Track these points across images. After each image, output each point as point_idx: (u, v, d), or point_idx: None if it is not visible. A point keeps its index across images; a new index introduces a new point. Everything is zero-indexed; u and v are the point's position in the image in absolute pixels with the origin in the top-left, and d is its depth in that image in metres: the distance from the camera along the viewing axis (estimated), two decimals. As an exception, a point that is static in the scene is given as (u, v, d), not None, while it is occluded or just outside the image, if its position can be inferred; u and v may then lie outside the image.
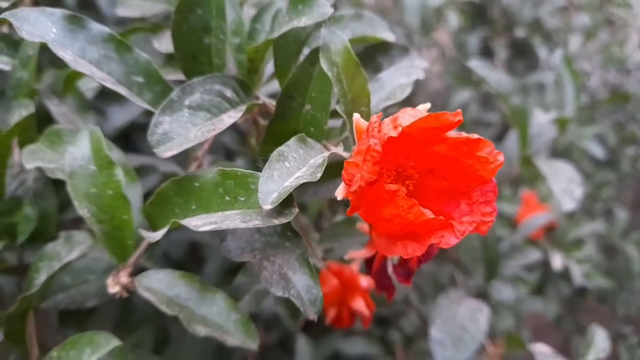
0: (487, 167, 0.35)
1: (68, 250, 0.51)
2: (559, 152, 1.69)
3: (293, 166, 0.40)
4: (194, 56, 0.48)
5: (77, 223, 0.62)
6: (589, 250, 1.92)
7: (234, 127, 0.51)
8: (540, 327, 2.10)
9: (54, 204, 0.60)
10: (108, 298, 0.49)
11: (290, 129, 0.48)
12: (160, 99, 0.47)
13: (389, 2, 1.70)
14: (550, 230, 1.37)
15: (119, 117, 0.83)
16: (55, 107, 0.62)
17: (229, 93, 0.46)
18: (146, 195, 0.58)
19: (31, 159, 0.52)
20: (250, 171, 0.40)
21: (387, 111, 0.55)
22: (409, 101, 1.71)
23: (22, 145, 0.57)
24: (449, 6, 1.38)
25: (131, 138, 0.90)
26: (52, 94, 0.64)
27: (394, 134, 0.33)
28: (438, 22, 1.40)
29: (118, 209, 0.44)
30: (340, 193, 0.36)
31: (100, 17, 0.86)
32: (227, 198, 0.41)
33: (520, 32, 1.53)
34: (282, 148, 0.41)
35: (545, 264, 1.32)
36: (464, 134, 0.34)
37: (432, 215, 0.33)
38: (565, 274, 1.33)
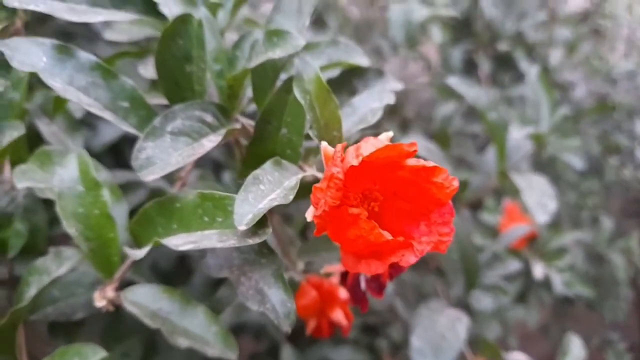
0: (444, 191, 0.38)
1: (57, 265, 0.53)
2: (543, 162, 1.73)
3: (268, 188, 0.43)
4: (176, 83, 0.51)
5: (67, 237, 0.65)
6: (574, 258, 1.96)
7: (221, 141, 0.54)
8: (528, 334, 2.13)
9: (44, 219, 0.63)
10: (96, 310, 0.52)
11: (268, 150, 0.51)
12: (145, 122, 0.50)
13: (376, 15, 1.74)
14: (531, 239, 1.41)
15: (109, 131, 0.86)
16: (45, 127, 0.65)
17: (209, 118, 0.49)
18: (135, 210, 0.61)
19: (22, 178, 0.54)
20: (227, 194, 0.43)
21: (363, 131, 0.58)
22: (398, 111, 1.74)
23: (13, 163, 0.59)
24: (433, 21, 1.41)
25: (122, 151, 0.93)
26: (43, 114, 0.66)
27: (355, 163, 0.36)
28: (423, 36, 1.43)
29: (104, 227, 0.47)
30: (309, 215, 0.39)
31: (93, 34, 0.89)
32: (206, 219, 0.43)
33: (503, 46, 1.57)
34: (257, 171, 0.44)
35: (527, 273, 1.35)
36: (421, 161, 0.37)
37: (390, 237, 0.36)
38: (547, 283, 1.36)
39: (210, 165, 1.03)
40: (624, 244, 2.08)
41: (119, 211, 0.50)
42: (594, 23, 3.29)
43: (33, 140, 0.63)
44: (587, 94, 2.46)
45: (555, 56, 1.56)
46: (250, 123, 0.55)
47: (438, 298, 1.00)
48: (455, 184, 0.38)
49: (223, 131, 0.49)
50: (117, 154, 0.92)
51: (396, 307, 1.18)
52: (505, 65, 1.64)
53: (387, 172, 0.39)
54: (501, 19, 1.57)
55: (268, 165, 0.45)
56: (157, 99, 0.56)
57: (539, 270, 1.30)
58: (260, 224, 0.41)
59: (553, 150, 1.43)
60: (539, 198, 0.82)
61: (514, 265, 1.08)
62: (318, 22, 1.76)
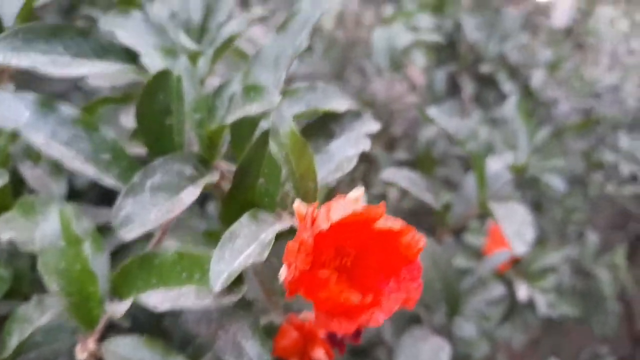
0: (411, 251, 0.40)
1: (40, 313, 0.54)
2: (526, 180, 1.75)
3: (244, 244, 0.44)
4: (157, 135, 0.52)
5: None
6: (562, 274, 1.98)
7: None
8: (517, 350, 2.14)
9: (28, 263, 0.64)
10: (78, 358, 0.53)
11: (246, 199, 0.53)
12: (126, 173, 0.52)
13: (361, 35, 1.77)
14: (516, 261, 1.42)
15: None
16: (29, 171, 0.66)
17: (188, 171, 0.50)
18: (120, 249, 0.62)
19: (6, 228, 0.55)
20: (204, 252, 0.44)
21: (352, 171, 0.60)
22: (385, 130, 1.76)
23: (-3, 210, 0.60)
24: (417, 45, 1.44)
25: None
26: (26, 157, 0.67)
27: (324, 227, 0.37)
28: (406, 61, 1.46)
29: (85, 282, 0.48)
30: (282, 275, 0.41)
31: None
32: (184, 275, 0.45)
33: (485, 68, 1.60)
34: (234, 226, 0.45)
35: (512, 294, 1.37)
36: (389, 223, 0.39)
37: (358, 301, 0.37)
38: (532, 304, 1.38)
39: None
40: (610, 259, 2.11)
41: (100, 263, 0.51)
42: (578, 38, 3.35)
43: (17, 184, 0.64)
44: (571, 110, 2.50)
45: (538, 76, 1.59)
46: (230, 169, 0.57)
47: (422, 325, 1.01)
48: (422, 243, 0.39)
49: (202, 182, 0.51)
50: (102, 187, 0.93)
51: (383, 331, 1.19)
52: (489, 86, 1.67)
53: (357, 233, 0.41)
54: (484, 42, 1.60)
55: (245, 218, 0.47)
56: (138, 148, 0.57)
57: (523, 291, 1.32)
58: (236, 281, 0.42)
59: (535, 172, 1.45)
60: (517, 228, 0.84)
61: (497, 291, 1.10)
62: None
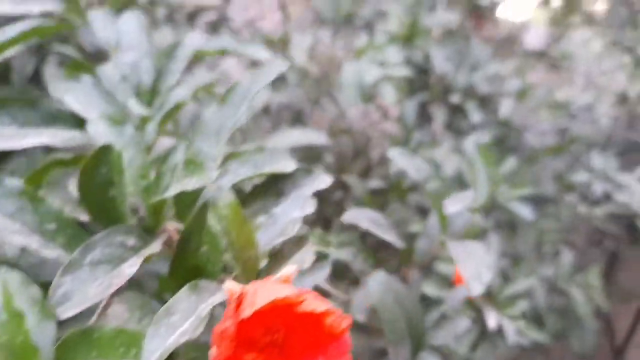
0: (336, 330, 0.41)
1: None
2: (497, 204, 1.78)
3: (181, 318, 0.45)
4: (100, 206, 0.53)
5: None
6: (538, 294, 2.00)
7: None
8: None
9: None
10: None
11: (190, 264, 0.54)
12: (73, 241, 0.53)
13: (335, 68, 1.79)
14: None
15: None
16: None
17: (131, 241, 0.52)
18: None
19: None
20: (139, 331, 0.45)
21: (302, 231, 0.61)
22: (360, 155, 1.77)
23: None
24: (388, 79, 1.47)
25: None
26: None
27: (247, 314, 0.38)
28: (376, 93, 1.48)
29: (27, 355, 0.49)
30: (211, 355, 0.42)
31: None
32: (122, 350, 0.46)
33: (455, 98, 1.63)
34: (170, 302, 0.46)
35: (481, 321, 1.39)
36: (312, 306, 0.40)
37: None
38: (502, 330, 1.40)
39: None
40: (584, 278, 2.14)
41: (45, 334, 0.51)
42: (552, 60, 3.42)
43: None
44: (543, 133, 2.54)
45: (507, 105, 1.63)
46: (180, 228, 0.58)
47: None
48: (345, 323, 0.41)
49: (146, 252, 0.52)
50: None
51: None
52: (459, 115, 1.71)
53: (283, 314, 0.42)
54: (452, 73, 1.64)
55: (184, 290, 0.48)
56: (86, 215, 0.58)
57: (492, 320, 1.34)
58: (171, 357, 0.43)
59: (503, 201, 1.48)
60: (474, 269, 0.85)
61: (463, 324, 1.12)
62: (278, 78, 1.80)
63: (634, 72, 2.61)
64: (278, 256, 0.59)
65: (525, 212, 1.44)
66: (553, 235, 2.10)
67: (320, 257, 0.71)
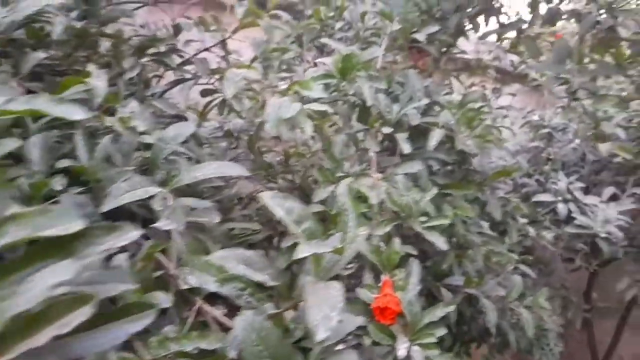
0: None
1: None
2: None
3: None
4: None
5: None
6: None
7: None
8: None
9: None
10: None
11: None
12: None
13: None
14: (401, 315, 1.50)
15: None
16: None
17: None
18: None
19: None
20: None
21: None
22: (299, 189, 1.85)
23: None
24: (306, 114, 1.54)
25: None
26: None
27: None
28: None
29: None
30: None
31: None
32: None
33: (386, 130, 1.70)
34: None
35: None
36: None
37: None
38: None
39: None
40: (530, 302, 2.18)
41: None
42: (531, 81, 3.45)
43: None
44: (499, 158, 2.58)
45: (435, 137, 1.69)
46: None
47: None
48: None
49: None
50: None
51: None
52: (393, 145, 1.77)
53: None
54: (385, 106, 1.71)
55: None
56: None
57: (402, 350, 1.40)
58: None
59: (420, 230, 1.55)
60: (324, 314, 0.91)
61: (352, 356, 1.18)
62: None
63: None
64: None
65: (440, 243, 1.50)
66: (500, 258, 2.15)
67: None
